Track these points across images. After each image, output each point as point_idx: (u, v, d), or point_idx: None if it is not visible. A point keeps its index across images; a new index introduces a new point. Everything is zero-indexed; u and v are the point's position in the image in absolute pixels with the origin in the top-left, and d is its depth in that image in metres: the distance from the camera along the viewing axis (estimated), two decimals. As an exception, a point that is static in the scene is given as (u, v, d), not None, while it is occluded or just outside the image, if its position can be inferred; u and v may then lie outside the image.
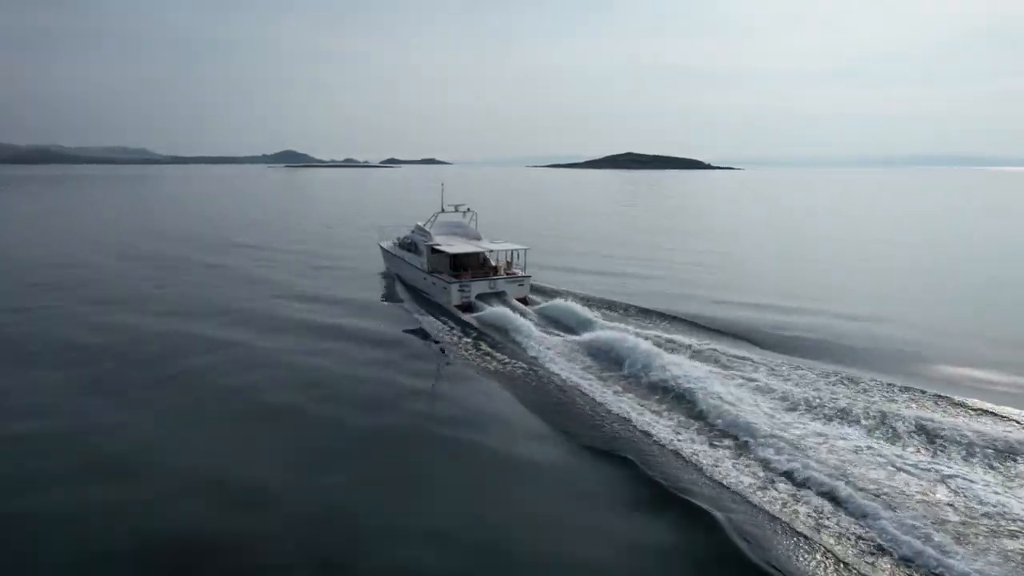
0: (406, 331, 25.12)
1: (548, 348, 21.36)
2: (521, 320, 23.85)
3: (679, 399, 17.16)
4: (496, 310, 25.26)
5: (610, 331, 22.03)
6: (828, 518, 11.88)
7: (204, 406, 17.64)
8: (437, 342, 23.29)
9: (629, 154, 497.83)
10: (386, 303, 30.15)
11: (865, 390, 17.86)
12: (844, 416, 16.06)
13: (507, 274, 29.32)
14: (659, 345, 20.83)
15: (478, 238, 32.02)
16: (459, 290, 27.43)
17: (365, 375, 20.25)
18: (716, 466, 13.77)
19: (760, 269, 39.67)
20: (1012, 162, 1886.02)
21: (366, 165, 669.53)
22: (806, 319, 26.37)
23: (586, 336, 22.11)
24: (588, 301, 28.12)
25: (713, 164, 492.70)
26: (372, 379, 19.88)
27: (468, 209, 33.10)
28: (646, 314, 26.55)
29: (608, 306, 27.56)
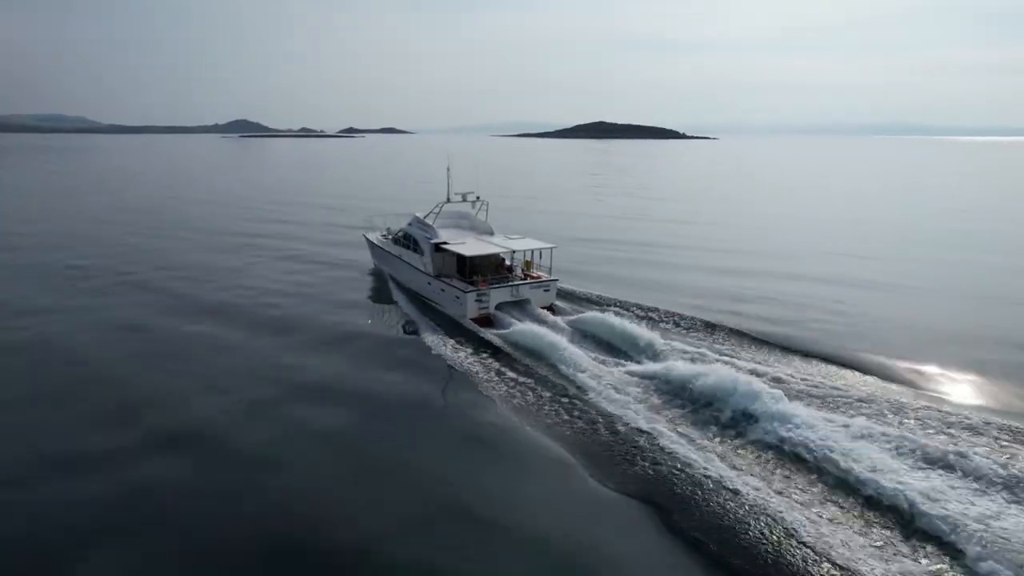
0: (410, 351, 20.40)
1: (613, 388, 16.53)
2: (567, 345, 18.94)
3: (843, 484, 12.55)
4: (530, 327, 20.44)
5: (695, 367, 17.13)
6: None
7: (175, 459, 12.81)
8: (453, 368, 18.67)
9: (600, 123, 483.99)
10: (380, 314, 24.93)
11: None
12: None
13: (530, 277, 24.26)
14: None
15: (489, 233, 26.39)
16: (476, 300, 22.47)
17: (364, 412, 16.21)
18: None
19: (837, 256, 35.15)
20: (956, 131, 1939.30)
21: (323, 135, 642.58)
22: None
23: (657, 368, 17.42)
24: (623, 306, 23.81)
25: (688, 134, 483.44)
26: (373, 417, 16.04)
27: (478, 198, 27.30)
28: (710, 329, 21.83)
29: (648, 316, 23.00)
